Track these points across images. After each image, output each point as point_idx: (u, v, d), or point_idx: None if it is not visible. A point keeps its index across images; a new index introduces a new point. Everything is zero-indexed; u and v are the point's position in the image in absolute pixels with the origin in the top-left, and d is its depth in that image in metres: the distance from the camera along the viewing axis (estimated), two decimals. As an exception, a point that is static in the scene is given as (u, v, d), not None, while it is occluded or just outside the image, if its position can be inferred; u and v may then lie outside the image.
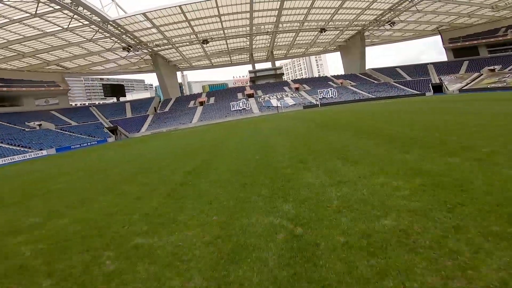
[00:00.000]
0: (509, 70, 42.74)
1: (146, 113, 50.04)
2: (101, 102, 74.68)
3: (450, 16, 50.09)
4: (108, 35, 41.66)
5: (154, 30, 43.99)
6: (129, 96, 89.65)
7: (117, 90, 59.80)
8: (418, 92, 44.09)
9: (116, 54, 51.83)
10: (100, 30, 39.73)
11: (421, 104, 20.29)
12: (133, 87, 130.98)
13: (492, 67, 46.01)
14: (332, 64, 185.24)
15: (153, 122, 46.79)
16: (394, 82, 51.36)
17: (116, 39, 43.65)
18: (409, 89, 46.64)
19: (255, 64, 65.33)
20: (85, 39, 43.35)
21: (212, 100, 54.53)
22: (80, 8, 33.80)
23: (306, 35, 53.92)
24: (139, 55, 53.35)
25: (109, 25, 39.49)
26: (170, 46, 50.45)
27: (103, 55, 51.49)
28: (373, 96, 44.77)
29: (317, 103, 45.14)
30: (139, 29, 42.93)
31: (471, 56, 53.74)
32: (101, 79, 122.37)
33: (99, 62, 54.78)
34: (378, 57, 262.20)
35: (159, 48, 50.70)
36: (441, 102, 20.51)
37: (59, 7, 32.73)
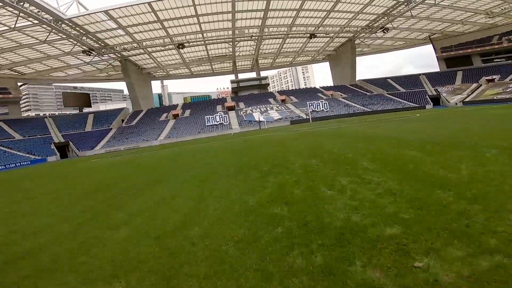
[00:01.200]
0: (510, 80, 39.91)
1: (109, 127, 43.33)
2: (71, 113, 67.08)
3: (443, 23, 47.82)
4: (65, 36, 35.67)
5: (121, 32, 38.30)
6: (103, 107, 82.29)
7: (80, 99, 52.67)
8: (416, 105, 40.22)
9: (78, 59, 45.54)
10: (54, 30, 33.77)
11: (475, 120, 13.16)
12: (110, 97, 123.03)
13: (490, 77, 43.34)
14: (320, 77, 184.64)
15: (113, 137, 40.12)
16: (388, 94, 47.69)
17: (75, 41, 37.56)
18: (406, 102, 42.85)
19: (240, 75, 60.59)
20: (38, 41, 37.28)
21: (187, 112, 48.59)
22: (26, 5, 28.00)
23: (294, 42, 49.81)
24: (106, 61, 47.13)
25: (63, 25, 33.66)
26: (142, 51, 44.74)
27: (63, 59, 45.05)
28: (369, 110, 40.41)
29: (308, 117, 39.97)
30: (102, 30, 37.16)
31: (465, 65, 51.51)
32: (75, 87, 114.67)
33: (59, 68, 48.13)
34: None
35: (128, 53, 44.81)
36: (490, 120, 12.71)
37: (1, 3, 26.91)
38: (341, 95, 48.66)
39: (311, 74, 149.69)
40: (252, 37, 40.75)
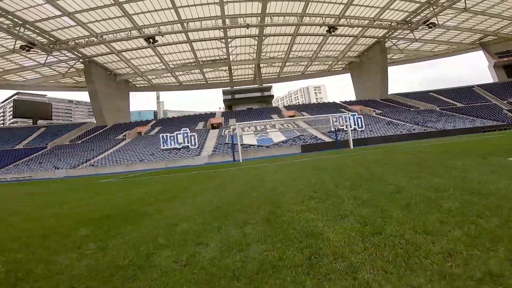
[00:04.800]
0: None
1: (45, 145, 32.16)
2: (24, 126, 56.95)
3: (500, 22, 36.23)
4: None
5: (69, 21, 28.12)
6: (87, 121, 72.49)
7: (37, 109, 42.36)
8: (504, 123, 27.29)
9: (31, 59, 35.81)
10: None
11: None
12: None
13: None
14: (335, 97, 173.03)
15: (30, 161, 28.54)
16: (441, 109, 34.86)
17: (7, 34, 27.69)
18: (478, 119, 29.85)
19: (239, 87, 49.57)
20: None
21: (156, 129, 36.82)
22: None
23: (307, 42, 38.54)
24: (66, 62, 37.08)
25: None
26: (108, 49, 34.49)
27: (12, 59, 35.39)
28: (432, 129, 27.20)
29: (337, 137, 26.00)
30: (43, 19, 27.31)
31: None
32: (70, 101, 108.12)
33: (12, 70, 38.47)
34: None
35: (90, 51, 34.71)
36: None
37: None
38: (374, 111, 35.93)
39: (324, 95, 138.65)
40: (249, 27, 29.49)
